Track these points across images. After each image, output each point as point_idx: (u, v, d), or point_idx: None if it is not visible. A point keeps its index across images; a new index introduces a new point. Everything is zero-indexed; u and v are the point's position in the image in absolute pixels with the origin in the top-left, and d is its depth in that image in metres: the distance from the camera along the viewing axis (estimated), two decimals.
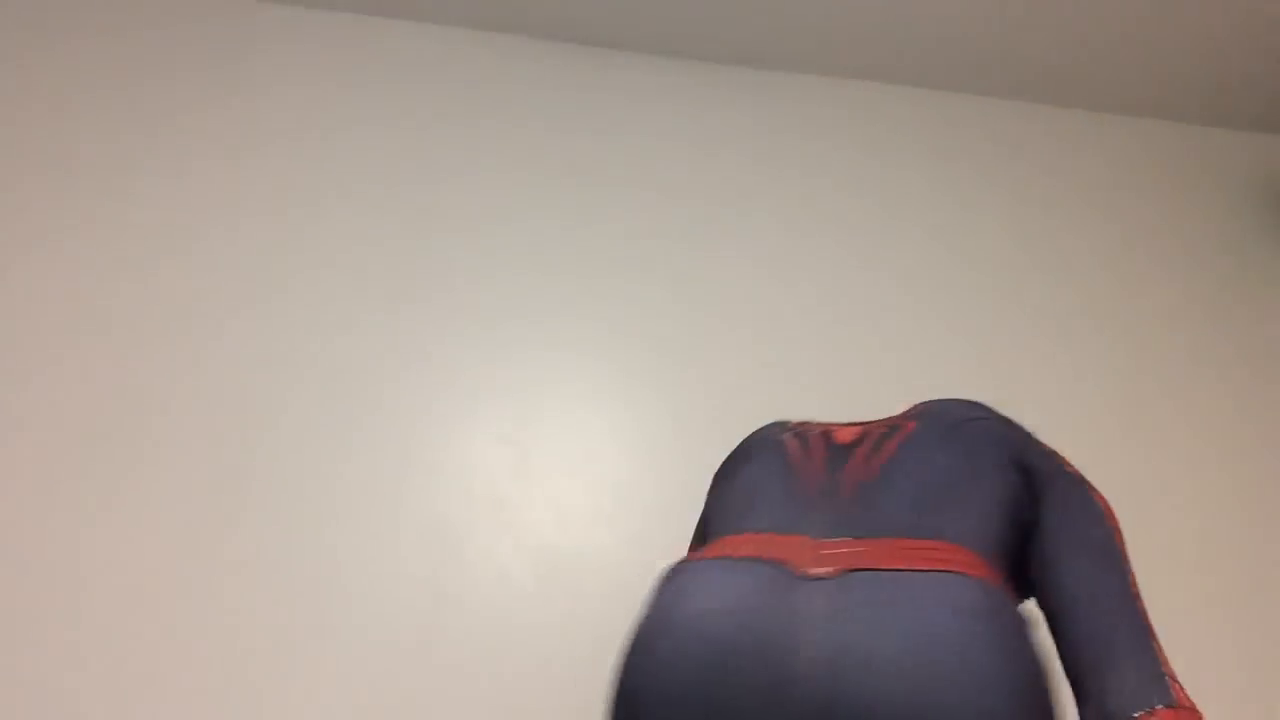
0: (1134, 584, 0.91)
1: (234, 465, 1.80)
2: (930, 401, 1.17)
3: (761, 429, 1.25)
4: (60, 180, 1.97)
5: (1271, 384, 2.33)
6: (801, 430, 1.17)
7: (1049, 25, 2.28)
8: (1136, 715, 0.81)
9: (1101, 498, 1.03)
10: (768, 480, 1.06)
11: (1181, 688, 0.84)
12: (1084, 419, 2.21)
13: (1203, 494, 2.17)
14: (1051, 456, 1.08)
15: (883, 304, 2.23)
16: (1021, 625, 0.82)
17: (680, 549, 1.77)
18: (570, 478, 1.91)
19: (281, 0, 2.23)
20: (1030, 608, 1.08)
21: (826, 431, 1.14)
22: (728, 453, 1.46)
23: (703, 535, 1.22)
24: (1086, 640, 0.88)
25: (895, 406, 2.05)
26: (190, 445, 1.80)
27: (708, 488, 1.30)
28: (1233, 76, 2.42)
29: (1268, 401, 2.31)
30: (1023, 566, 1.00)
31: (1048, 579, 0.95)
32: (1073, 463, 2.20)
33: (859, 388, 2.11)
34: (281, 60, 2.18)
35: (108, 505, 1.73)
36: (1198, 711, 0.81)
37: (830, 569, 0.84)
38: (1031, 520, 1.02)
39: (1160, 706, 0.81)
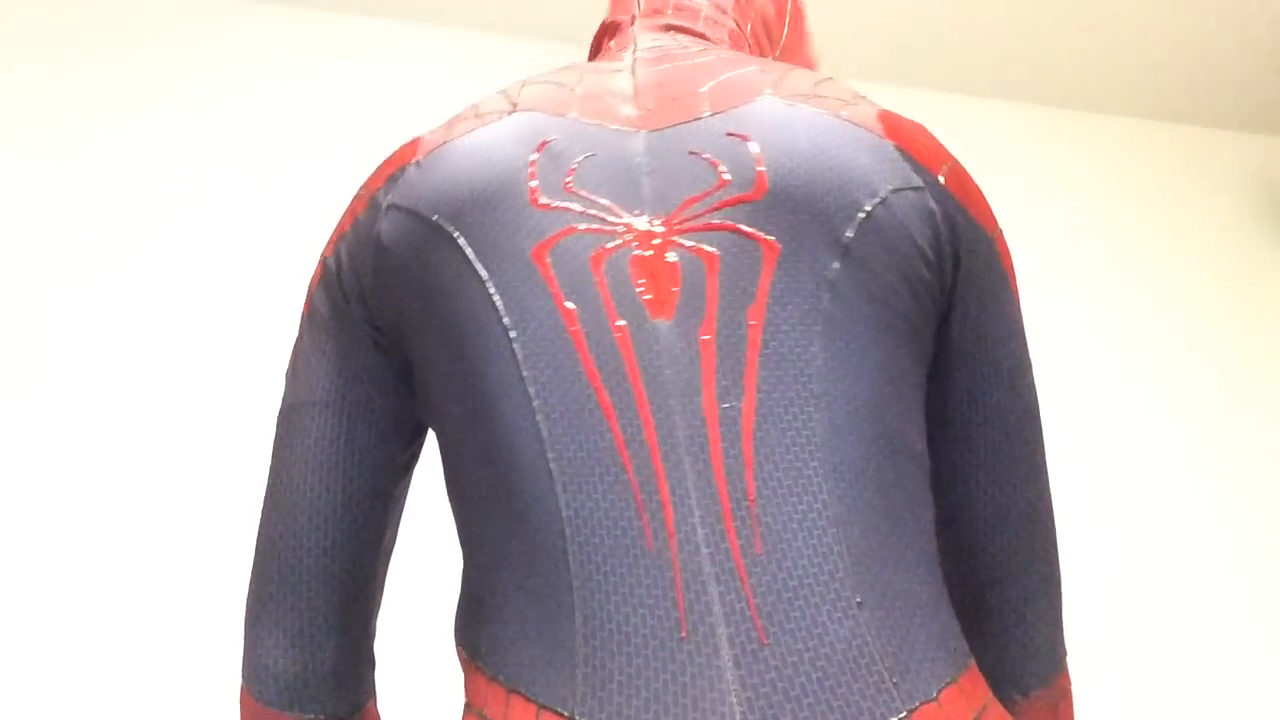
0: None
1: (234, 465, 1.80)
2: (780, 127, 0.60)
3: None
4: (58, 180, 1.96)
5: (1271, 382, 2.33)
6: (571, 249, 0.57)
7: (1049, 25, 2.28)
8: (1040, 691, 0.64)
9: None
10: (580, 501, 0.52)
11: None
12: (1083, 418, 2.21)
13: (1202, 492, 2.17)
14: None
15: None
16: None
17: None
18: None
19: (281, 0, 2.23)
20: None
21: (612, 259, 0.56)
22: None
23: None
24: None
25: None
26: (188, 445, 1.80)
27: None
28: (1232, 77, 2.42)
29: (1267, 399, 2.31)
30: None
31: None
32: (1074, 457, 2.21)
33: None
34: (279, 60, 2.18)
35: (105, 503, 1.72)
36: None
37: None
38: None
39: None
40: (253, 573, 0.64)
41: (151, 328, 1.88)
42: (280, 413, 0.65)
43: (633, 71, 0.66)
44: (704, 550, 0.51)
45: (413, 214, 0.60)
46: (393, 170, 0.63)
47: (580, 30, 2.32)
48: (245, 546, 1.74)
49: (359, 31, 2.25)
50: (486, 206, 0.58)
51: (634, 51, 0.70)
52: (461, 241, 0.57)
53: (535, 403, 0.54)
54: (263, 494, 0.67)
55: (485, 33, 2.33)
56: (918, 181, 0.60)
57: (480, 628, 0.56)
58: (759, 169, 0.57)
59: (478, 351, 0.56)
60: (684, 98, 0.63)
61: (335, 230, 0.66)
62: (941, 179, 0.61)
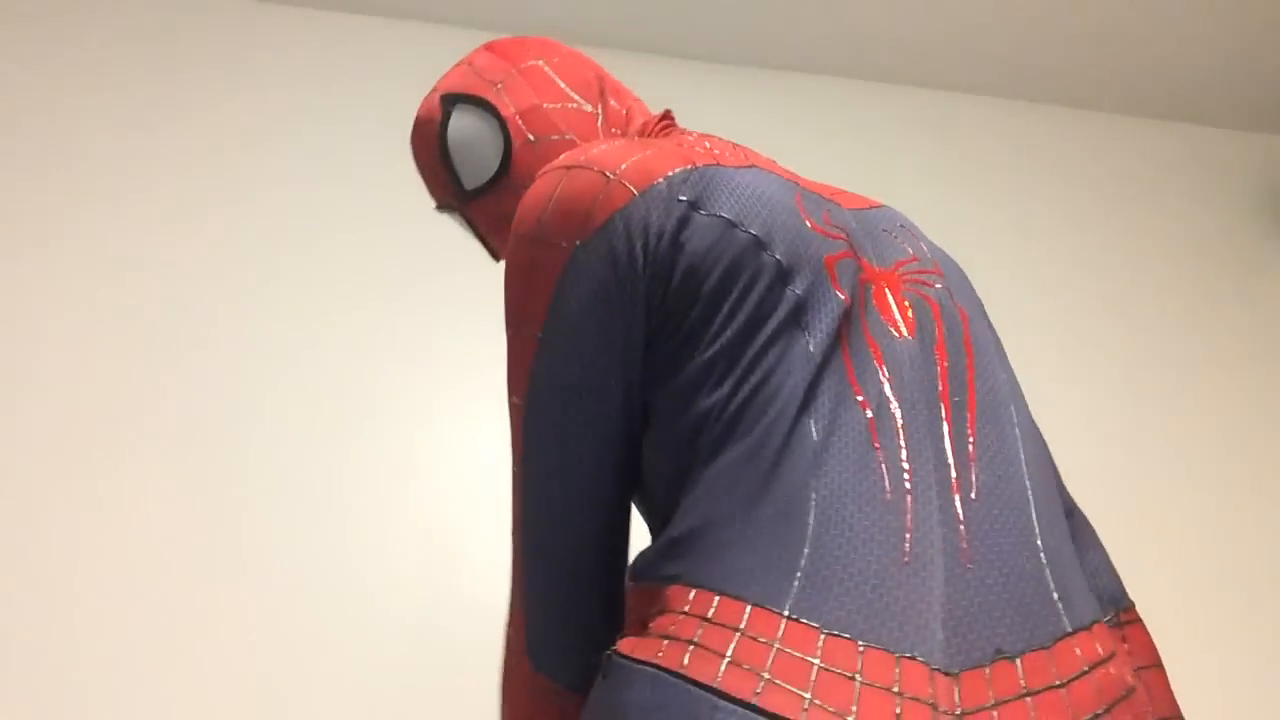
0: None
1: (235, 463, 1.79)
2: (918, 232, 0.83)
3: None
4: (60, 179, 1.95)
5: (1272, 380, 2.33)
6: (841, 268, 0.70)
7: (1049, 25, 2.28)
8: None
9: None
10: (841, 469, 0.62)
11: None
12: (1084, 416, 2.21)
13: (1203, 486, 2.18)
14: None
15: None
16: None
17: None
18: None
19: (281, 0, 2.22)
20: None
21: (866, 286, 0.71)
22: None
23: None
24: None
25: None
26: (189, 442, 1.79)
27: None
28: (1233, 76, 2.42)
29: (1268, 397, 2.31)
30: None
31: None
32: (1075, 455, 2.21)
33: None
34: (281, 60, 2.17)
35: (107, 503, 1.72)
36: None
37: None
38: None
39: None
40: (557, 564, 0.72)
41: (157, 329, 1.88)
42: (539, 401, 0.71)
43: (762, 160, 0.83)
44: (935, 501, 0.63)
45: (721, 220, 0.69)
46: (668, 170, 0.71)
47: (580, 30, 2.32)
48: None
49: (359, 31, 2.25)
50: (784, 227, 0.70)
51: (706, 138, 0.85)
52: (771, 246, 0.69)
53: (811, 386, 0.65)
54: (529, 474, 0.73)
55: (486, 33, 2.33)
56: None
57: (688, 556, 0.62)
58: (931, 255, 0.79)
59: (773, 337, 0.66)
60: (838, 191, 0.83)
61: (574, 221, 0.70)
62: None
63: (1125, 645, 0.74)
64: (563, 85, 0.91)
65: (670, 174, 0.70)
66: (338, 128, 2.14)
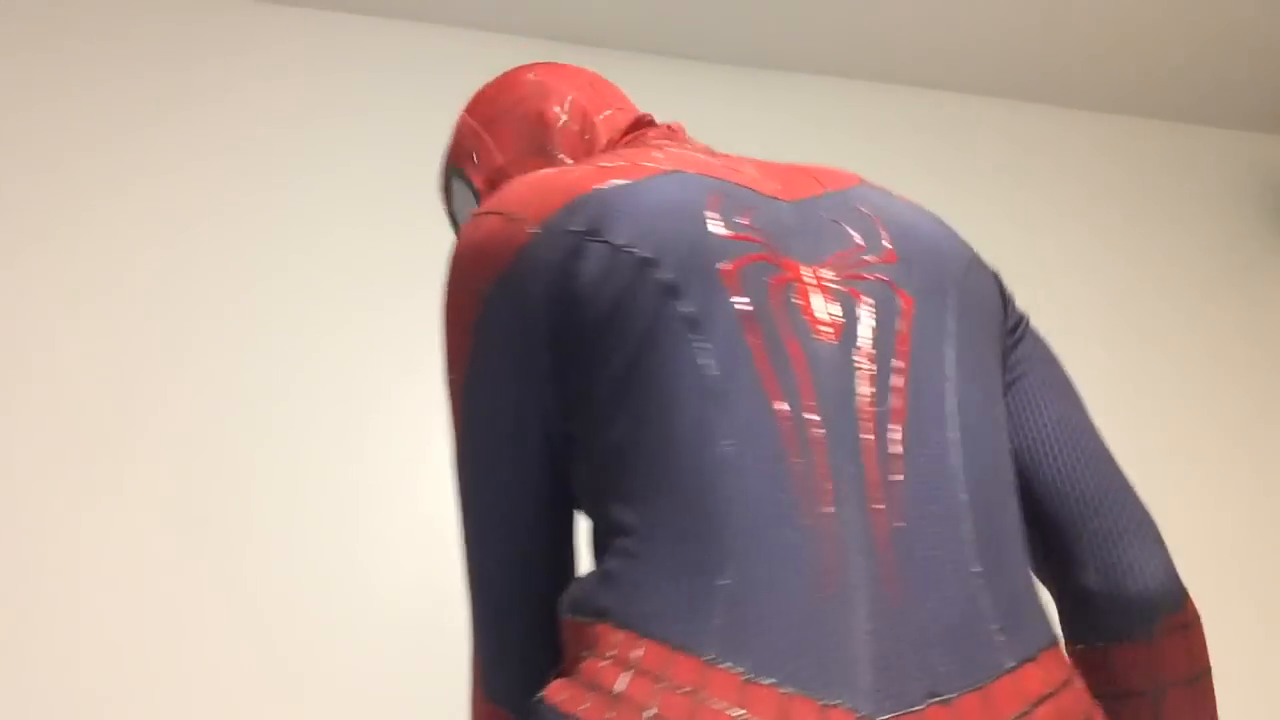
0: None
1: (233, 466, 1.79)
2: (888, 209, 0.76)
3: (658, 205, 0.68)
4: (54, 178, 1.95)
5: (1273, 380, 2.33)
6: (752, 264, 0.67)
7: (1049, 25, 2.28)
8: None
9: None
10: (744, 481, 0.59)
11: None
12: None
13: (1205, 486, 2.18)
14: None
15: None
16: None
17: None
18: None
19: (280, 0, 2.22)
20: None
21: (785, 288, 0.67)
22: None
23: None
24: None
25: None
26: (187, 444, 1.79)
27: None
28: (1232, 76, 2.42)
29: (1268, 395, 2.31)
30: None
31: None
32: None
33: None
34: (279, 60, 2.17)
35: (103, 505, 1.72)
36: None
37: None
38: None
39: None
40: (502, 602, 0.72)
41: (159, 327, 1.88)
42: (468, 442, 0.72)
43: (732, 160, 0.80)
44: (855, 526, 0.59)
45: (608, 245, 0.67)
46: (565, 201, 0.69)
47: (580, 30, 2.32)
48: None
49: (358, 31, 2.25)
50: (678, 239, 0.66)
51: (691, 145, 0.84)
52: (660, 265, 0.66)
53: (715, 402, 0.61)
54: (467, 518, 0.74)
55: (485, 32, 2.33)
56: (980, 258, 0.77)
57: (616, 591, 0.60)
58: (884, 240, 0.72)
59: (665, 359, 0.63)
60: (797, 180, 0.78)
61: (485, 265, 0.70)
62: (989, 265, 0.79)
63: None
64: (522, 138, 0.96)
65: (569, 203, 0.69)
66: (339, 128, 2.14)
